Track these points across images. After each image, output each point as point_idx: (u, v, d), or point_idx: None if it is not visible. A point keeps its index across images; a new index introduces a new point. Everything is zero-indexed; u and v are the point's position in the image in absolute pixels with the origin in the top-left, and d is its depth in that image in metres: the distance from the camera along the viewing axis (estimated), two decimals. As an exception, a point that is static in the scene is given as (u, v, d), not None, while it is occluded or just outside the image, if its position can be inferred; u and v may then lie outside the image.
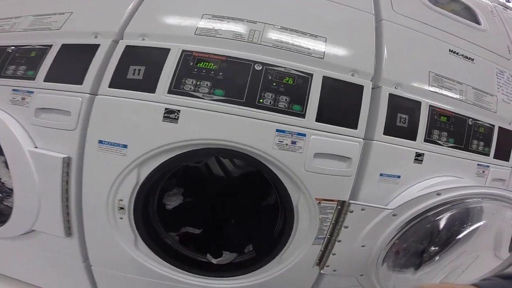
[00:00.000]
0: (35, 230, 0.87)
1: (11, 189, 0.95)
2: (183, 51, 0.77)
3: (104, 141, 0.76)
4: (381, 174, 0.78)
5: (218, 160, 1.13)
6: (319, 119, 0.75)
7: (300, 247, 0.86)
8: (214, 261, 0.95)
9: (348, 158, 0.76)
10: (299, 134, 0.75)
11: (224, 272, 0.93)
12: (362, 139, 0.76)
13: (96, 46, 0.79)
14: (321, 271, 0.87)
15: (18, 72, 0.81)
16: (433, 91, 0.82)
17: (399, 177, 0.79)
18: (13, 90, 0.79)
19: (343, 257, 0.84)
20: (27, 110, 0.78)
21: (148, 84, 0.74)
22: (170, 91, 0.74)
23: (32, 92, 0.78)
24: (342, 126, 0.76)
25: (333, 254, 0.84)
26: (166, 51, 0.77)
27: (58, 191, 0.79)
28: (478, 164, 0.86)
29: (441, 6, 0.99)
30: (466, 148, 0.84)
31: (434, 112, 0.81)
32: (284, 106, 0.76)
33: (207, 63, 0.77)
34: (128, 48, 0.78)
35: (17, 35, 0.87)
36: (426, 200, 0.74)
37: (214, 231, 0.99)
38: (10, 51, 0.85)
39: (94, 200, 0.81)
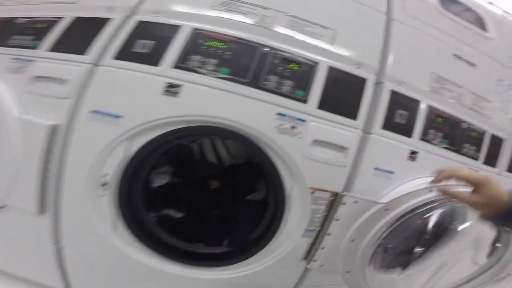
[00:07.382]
0: (6, 206, 0.82)
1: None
2: (194, 29, 0.77)
3: (98, 111, 0.73)
4: (375, 168, 0.78)
5: (213, 145, 1.11)
6: (320, 106, 0.75)
7: (289, 239, 0.83)
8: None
9: (345, 148, 0.75)
10: (299, 119, 0.74)
11: (207, 262, 0.89)
12: (361, 130, 0.77)
13: (108, 20, 0.79)
14: (308, 266, 0.85)
15: (22, 42, 0.80)
16: (433, 92, 0.83)
17: (392, 172, 0.80)
18: (13, 58, 0.78)
19: (332, 251, 0.82)
20: (22, 78, 0.76)
21: (153, 58, 0.74)
22: (174, 66, 0.74)
23: (32, 61, 0.77)
24: (342, 116, 0.75)
25: (322, 248, 0.83)
26: (177, 27, 0.77)
27: (37, 160, 0.74)
28: (468, 168, 0.87)
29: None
30: (458, 151, 0.85)
31: (432, 112, 0.81)
32: (287, 90, 0.75)
33: (216, 42, 0.77)
34: (140, 23, 0.79)
35: (31, 8, 0.86)
36: (419, 196, 0.74)
37: (196, 218, 0.96)
38: (19, 22, 0.84)
39: (76, 174, 0.77)
